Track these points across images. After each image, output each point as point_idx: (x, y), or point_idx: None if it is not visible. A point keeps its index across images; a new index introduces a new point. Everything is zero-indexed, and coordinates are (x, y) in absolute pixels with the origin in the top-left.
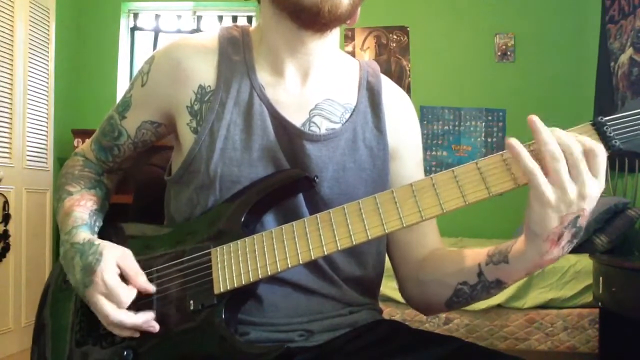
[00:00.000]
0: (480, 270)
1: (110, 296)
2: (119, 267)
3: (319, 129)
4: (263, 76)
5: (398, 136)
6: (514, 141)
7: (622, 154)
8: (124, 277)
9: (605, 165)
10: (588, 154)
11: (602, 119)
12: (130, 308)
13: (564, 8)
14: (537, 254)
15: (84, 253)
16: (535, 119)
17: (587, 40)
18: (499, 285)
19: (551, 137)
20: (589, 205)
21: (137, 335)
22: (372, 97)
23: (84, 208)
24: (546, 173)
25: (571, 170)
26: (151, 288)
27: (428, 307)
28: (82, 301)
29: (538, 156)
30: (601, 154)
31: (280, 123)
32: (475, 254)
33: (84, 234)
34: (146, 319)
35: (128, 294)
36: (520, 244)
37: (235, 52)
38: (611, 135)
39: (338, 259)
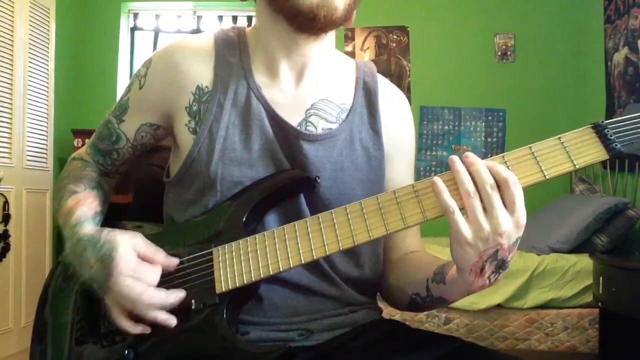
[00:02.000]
0: (428, 285)
1: (137, 279)
2: (135, 251)
3: (316, 128)
4: (259, 77)
5: (393, 139)
6: (436, 179)
7: (623, 157)
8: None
9: (522, 196)
10: (501, 185)
11: (603, 122)
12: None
13: (564, 8)
14: (464, 283)
15: (95, 245)
16: (454, 159)
17: (587, 40)
18: (443, 301)
19: (467, 176)
20: (507, 240)
21: (148, 331)
22: (369, 97)
23: (88, 207)
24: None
25: (484, 205)
26: (174, 261)
27: (392, 305)
28: (83, 300)
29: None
30: (514, 184)
31: (277, 123)
32: (429, 266)
33: (89, 228)
34: (178, 296)
35: (154, 274)
36: (454, 269)
37: (231, 53)
38: (612, 138)
39: (336, 259)
